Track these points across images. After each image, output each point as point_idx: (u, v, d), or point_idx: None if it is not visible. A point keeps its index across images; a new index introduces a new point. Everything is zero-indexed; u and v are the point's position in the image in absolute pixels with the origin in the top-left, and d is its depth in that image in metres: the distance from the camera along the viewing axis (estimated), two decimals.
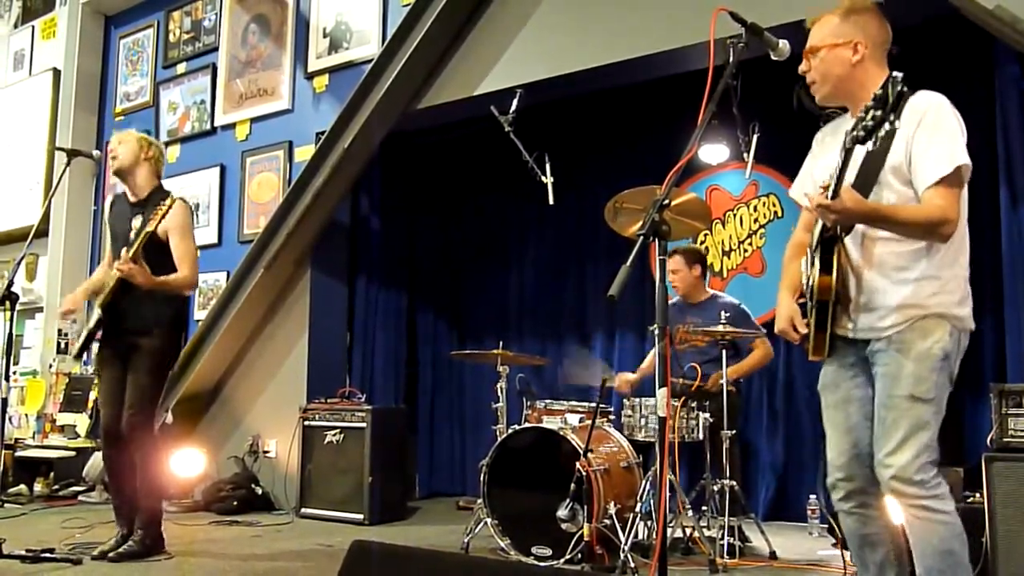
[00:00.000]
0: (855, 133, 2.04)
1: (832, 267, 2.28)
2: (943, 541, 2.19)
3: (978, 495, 3.23)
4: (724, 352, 4.08)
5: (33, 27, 7.69)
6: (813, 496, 4.74)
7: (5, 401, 3.56)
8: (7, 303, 3.53)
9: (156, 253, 3.80)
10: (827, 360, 2.46)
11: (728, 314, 4.23)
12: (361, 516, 4.98)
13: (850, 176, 2.23)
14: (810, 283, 2.35)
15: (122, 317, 3.86)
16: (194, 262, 3.97)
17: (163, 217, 3.73)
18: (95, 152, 4.29)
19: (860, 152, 2.23)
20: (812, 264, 2.35)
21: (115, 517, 3.97)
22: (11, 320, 3.64)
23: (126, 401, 3.85)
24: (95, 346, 4.03)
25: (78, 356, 4.16)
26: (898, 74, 2.01)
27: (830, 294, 2.29)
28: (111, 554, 3.75)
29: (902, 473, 2.18)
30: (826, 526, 4.45)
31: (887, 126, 1.97)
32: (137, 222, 3.91)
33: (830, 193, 2.15)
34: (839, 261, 2.29)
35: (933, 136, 2.23)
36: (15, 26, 7.92)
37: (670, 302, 4.04)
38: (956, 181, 2.22)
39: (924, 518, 2.18)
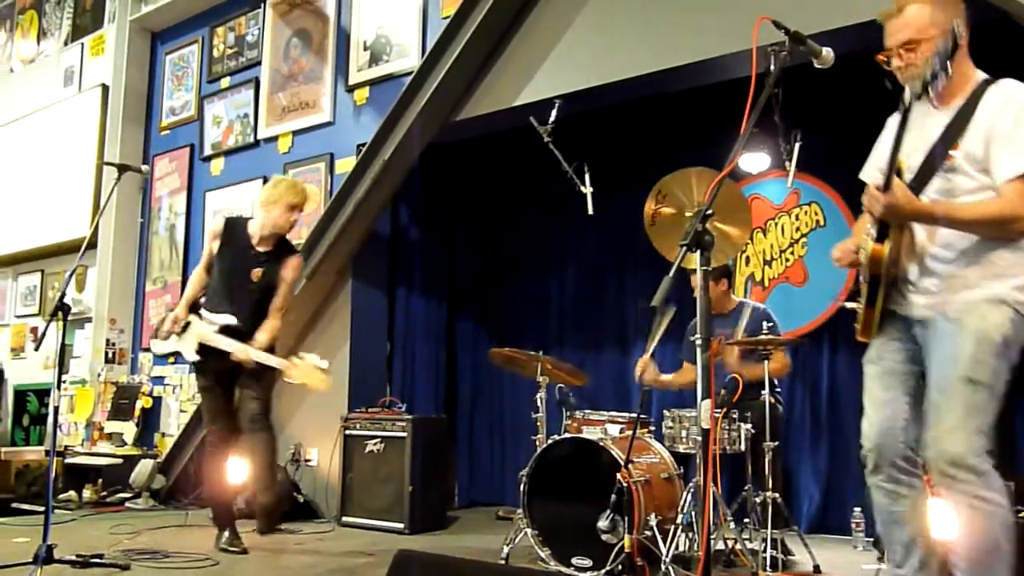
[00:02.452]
0: (912, 87, 2.04)
1: (887, 238, 2.23)
2: (990, 532, 2.12)
3: None
4: (766, 361, 4.05)
5: (82, 44, 7.87)
6: (858, 509, 4.67)
7: (56, 409, 3.63)
8: (60, 314, 3.60)
9: (266, 295, 4.24)
10: (878, 335, 2.41)
11: (771, 324, 4.20)
12: (401, 525, 5.00)
13: (918, 159, 2.20)
14: (865, 256, 2.28)
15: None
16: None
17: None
18: (143, 167, 4.40)
19: (934, 130, 2.21)
20: (870, 236, 2.29)
21: (217, 521, 4.36)
22: (63, 331, 3.72)
23: (252, 412, 4.24)
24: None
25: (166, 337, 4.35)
26: (959, 24, 1.98)
27: (881, 266, 2.24)
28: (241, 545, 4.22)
29: (956, 458, 2.12)
30: (871, 540, 4.38)
31: (943, 77, 1.96)
32: (257, 274, 4.22)
33: (883, 181, 2.11)
34: (895, 235, 2.24)
35: (1018, 127, 2.17)
36: (65, 43, 8.11)
37: None
38: None
39: (973, 506, 2.11)
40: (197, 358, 4.22)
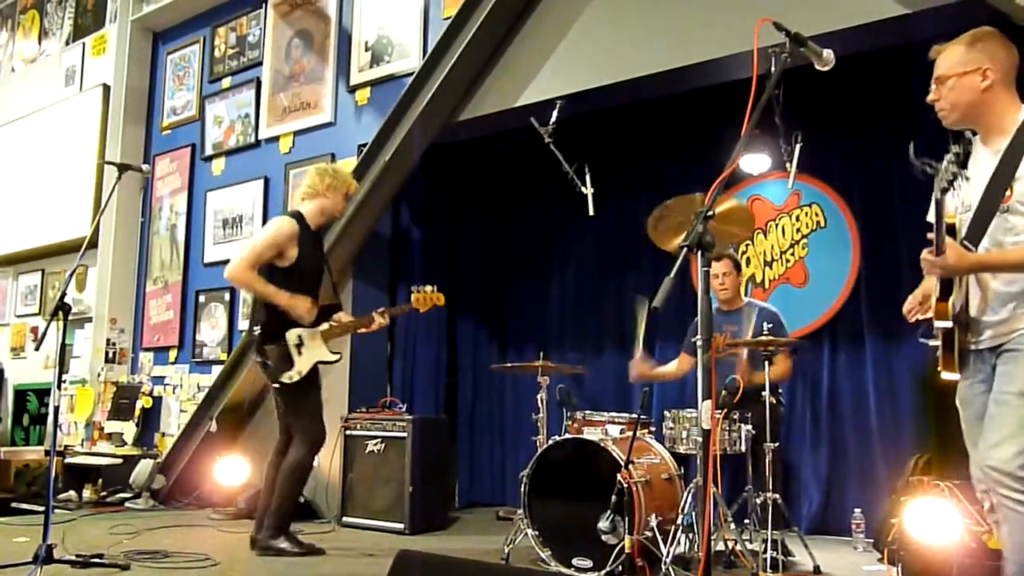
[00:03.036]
0: (942, 185, 2.18)
1: (950, 293, 2.36)
2: None
3: None
4: (767, 362, 4.05)
5: (84, 44, 7.88)
6: (858, 510, 4.67)
7: (57, 409, 3.63)
8: (60, 314, 3.60)
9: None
10: (962, 375, 2.51)
11: (771, 325, 4.20)
12: (402, 525, 5.00)
13: (973, 201, 2.35)
14: (935, 313, 2.43)
15: None
16: None
17: None
18: (144, 166, 4.39)
19: (984, 172, 2.35)
20: (935, 293, 2.42)
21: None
22: (63, 330, 3.72)
23: None
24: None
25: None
26: (969, 134, 2.14)
27: (949, 317, 2.37)
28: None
29: (1003, 466, 2.22)
30: (871, 540, 4.38)
31: (961, 181, 2.14)
32: (323, 257, 4.52)
33: (935, 247, 2.25)
34: (960, 286, 2.38)
35: None
36: (66, 43, 8.12)
37: None
38: None
39: (1017, 512, 2.20)
40: (336, 356, 4.47)
